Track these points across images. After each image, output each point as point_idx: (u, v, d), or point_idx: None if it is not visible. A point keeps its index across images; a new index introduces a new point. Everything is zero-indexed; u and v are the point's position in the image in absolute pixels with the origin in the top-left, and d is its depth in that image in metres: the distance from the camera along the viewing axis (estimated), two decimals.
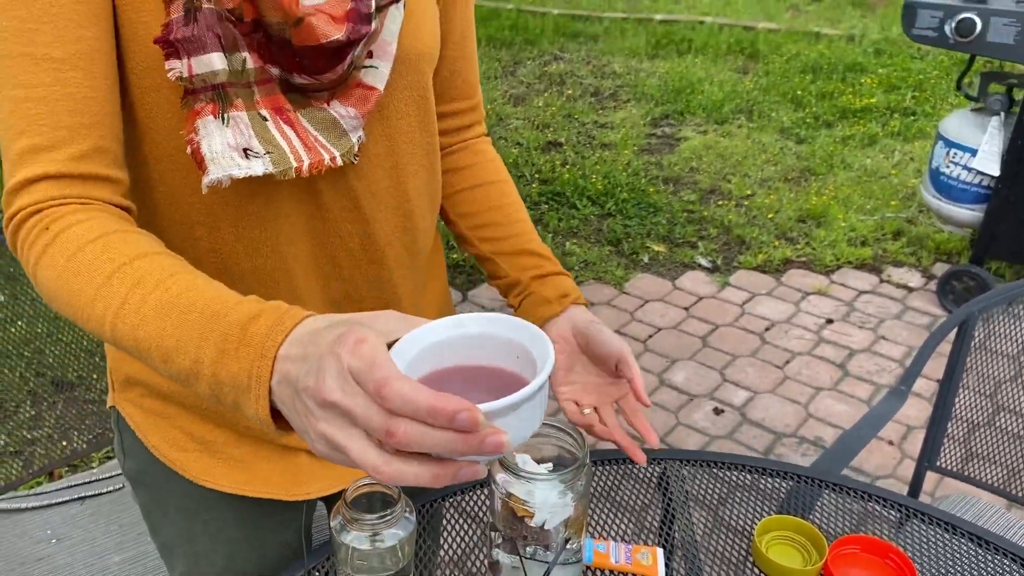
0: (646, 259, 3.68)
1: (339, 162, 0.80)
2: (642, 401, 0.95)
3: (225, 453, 0.96)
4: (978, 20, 2.89)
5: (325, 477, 0.99)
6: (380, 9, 0.79)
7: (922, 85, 5.43)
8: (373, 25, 0.78)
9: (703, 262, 3.67)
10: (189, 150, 0.76)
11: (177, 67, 0.74)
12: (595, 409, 1.01)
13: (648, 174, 4.44)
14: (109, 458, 2.50)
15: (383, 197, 0.90)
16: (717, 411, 2.79)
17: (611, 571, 1.01)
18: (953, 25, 2.94)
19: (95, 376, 1.77)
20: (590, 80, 5.75)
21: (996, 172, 3.04)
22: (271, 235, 0.85)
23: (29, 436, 1.72)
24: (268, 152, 0.76)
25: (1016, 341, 1.63)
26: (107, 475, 1.62)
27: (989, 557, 1.05)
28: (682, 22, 6.77)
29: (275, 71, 0.77)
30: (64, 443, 1.69)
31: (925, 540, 1.08)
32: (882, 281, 3.54)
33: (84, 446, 1.68)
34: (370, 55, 0.80)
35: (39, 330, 1.73)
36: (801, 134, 4.86)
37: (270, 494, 0.97)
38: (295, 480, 0.98)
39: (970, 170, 3.12)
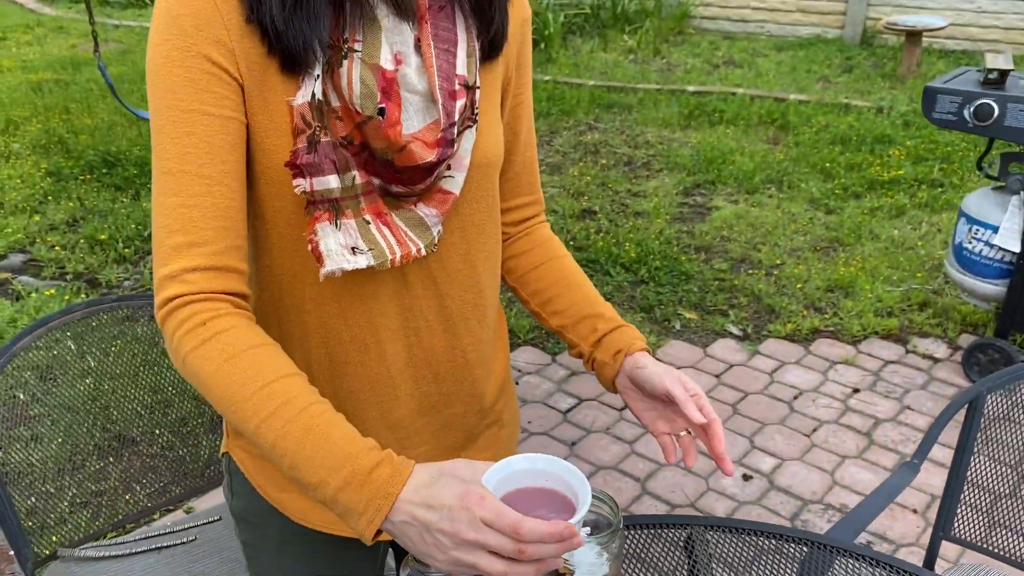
0: (678, 326, 3.81)
1: (423, 252, 1.01)
2: (695, 420, 1.03)
3: None
4: (996, 106, 3.03)
5: None
6: (460, 133, 0.99)
7: (950, 157, 5.55)
8: (455, 147, 0.98)
9: (734, 330, 3.79)
10: (310, 247, 0.96)
11: (302, 184, 0.95)
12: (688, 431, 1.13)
13: (680, 242, 4.59)
14: (169, 511, 2.65)
15: (456, 278, 1.09)
16: (746, 477, 2.88)
17: None
18: (971, 110, 3.08)
19: (156, 431, 1.91)
20: (624, 150, 5.95)
21: (1017, 248, 3.15)
22: (366, 310, 1.04)
23: (95, 488, 1.86)
24: (370, 249, 0.97)
25: None
26: (181, 527, 1.77)
27: None
28: (714, 93, 6.98)
29: (376, 182, 0.98)
30: (128, 496, 1.84)
31: None
32: (908, 351, 3.63)
33: (145, 498, 1.82)
34: (448, 167, 1.01)
35: (105, 387, 1.88)
36: (830, 204, 4.98)
37: (354, 533, 1.13)
38: None
39: (992, 246, 3.23)
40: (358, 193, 0.97)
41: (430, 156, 0.96)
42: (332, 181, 0.94)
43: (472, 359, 1.14)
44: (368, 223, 0.98)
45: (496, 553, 0.81)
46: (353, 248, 0.97)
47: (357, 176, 0.96)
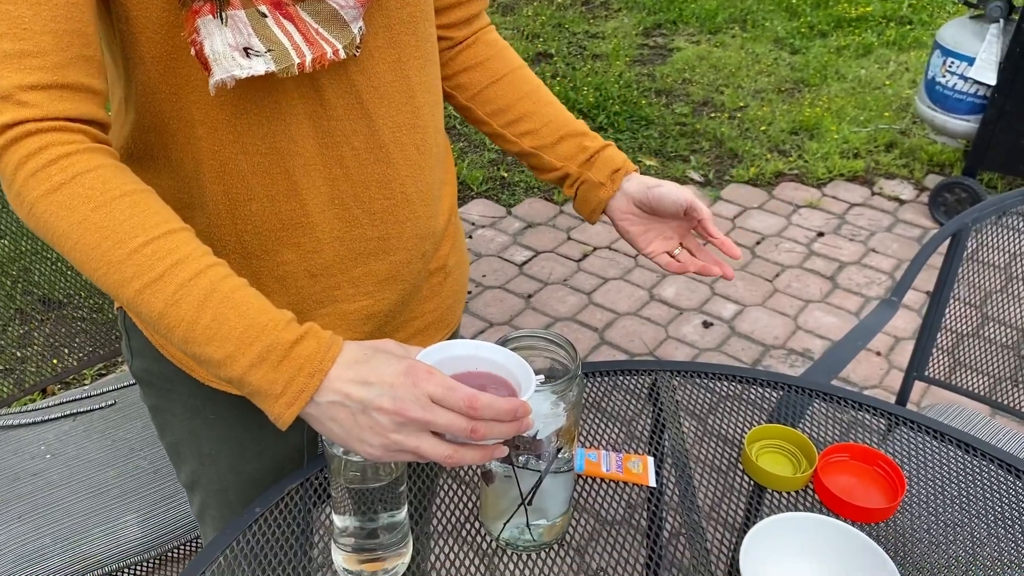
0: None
1: (342, 55, 0.79)
2: (714, 235, 1.03)
3: None
4: None
5: None
6: None
7: None
8: None
9: (695, 176, 3.64)
10: (193, 51, 0.74)
11: None
12: (681, 246, 1.10)
13: (640, 86, 4.36)
14: (101, 375, 2.51)
15: (386, 92, 0.87)
16: (706, 324, 2.80)
17: (602, 479, 1.02)
18: None
19: (83, 294, 1.75)
20: None
21: (993, 81, 2.99)
22: (269, 133, 0.83)
23: (19, 354, 1.71)
24: (269, 50, 0.75)
25: (1005, 251, 1.63)
26: (99, 391, 1.62)
27: (976, 463, 1.06)
28: None
29: None
30: (55, 361, 1.69)
31: (913, 447, 1.09)
32: (874, 194, 3.52)
33: (75, 363, 1.68)
34: None
35: (24, 247, 1.71)
36: (795, 44, 4.76)
37: None
38: None
39: (966, 79, 3.07)
40: None
41: None
42: None
43: (412, 194, 0.94)
44: (264, 16, 0.75)
45: (439, 436, 0.72)
46: (246, 49, 0.75)
47: None
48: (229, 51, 0.74)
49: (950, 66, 3.11)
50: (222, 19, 0.74)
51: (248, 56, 0.75)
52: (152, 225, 0.73)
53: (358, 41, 0.80)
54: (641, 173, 1.16)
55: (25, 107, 0.70)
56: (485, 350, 0.80)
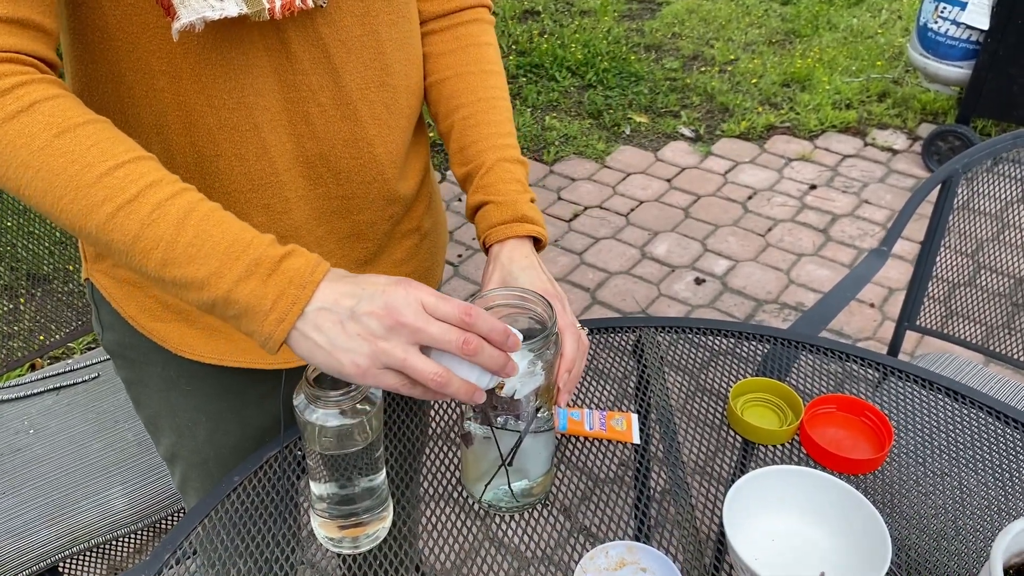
0: (628, 131, 3.60)
1: (310, 3, 0.76)
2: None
3: (203, 322, 0.94)
4: None
5: None
6: None
7: None
8: None
9: (686, 132, 3.59)
10: None
11: None
12: None
13: (629, 41, 4.30)
14: (90, 348, 2.49)
15: (354, 47, 0.84)
16: (698, 281, 2.78)
17: (586, 438, 1.01)
18: None
19: (70, 268, 1.73)
20: None
21: (985, 26, 2.94)
22: (236, 86, 0.80)
23: (7, 330, 1.69)
24: None
25: (999, 199, 1.60)
26: (82, 365, 1.60)
27: (965, 411, 1.05)
28: None
29: None
30: (43, 336, 1.67)
31: (902, 397, 1.08)
32: (866, 144, 3.48)
33: (62, 337, 1.66)
34: None
35: (8, 224, 1.68)
36: None
37: (248, 363, 0.95)
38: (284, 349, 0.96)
39: (959, 25, 3.02)
40: None
41: None
42: None
43: (381, 154, 0.91)
44: None
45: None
46: None
47: None
48: None
49: (942, 12, 3.06)
50: None
51: None
52: (120, 151, 0.69)
53: None
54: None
55: None
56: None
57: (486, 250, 0.96)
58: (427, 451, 1.01)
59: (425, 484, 0.96)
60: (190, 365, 0.96)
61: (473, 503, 0.93)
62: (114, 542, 1.36)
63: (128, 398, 1.51)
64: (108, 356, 1.62)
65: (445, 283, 2.72)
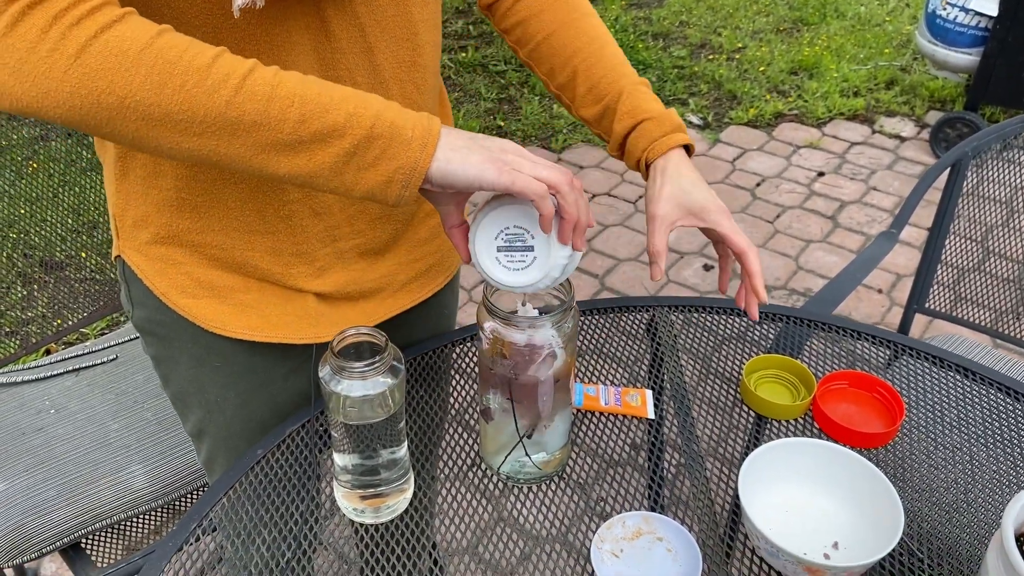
0: None
1: None
2: (757, 291, 0.96)
3: (234, 298, 0.95)
4: None
5: (334, 321, 0.99)
6: None
7: None
8: None
9: (694, 119, 3.60)
10: None
11: None
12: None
13: (637, 30, 4.30)
14: (103, 334, 2.52)
15: (388, 26, 0.85)
16: (707, 267, 2.79)
17: (601, 413, 1.02)
18: None
19: (83, 255, 1.75)
20: None
21: (994, 12, 2.94)
22: (276, 63, 0.81)
23: (23, 316, 1.71)
24: None
25: (1008, 186, 1.61)
26: (100, 347, 1.63)
27: (976, 388, 1.06)
28: None
29: None
30: (58, 321, 1.69)
31: (913, 374, 1.09)
32: (874, 132, 3.48)
33: (77, 322, 1.68)
34: None
35: (22, 211, 1.70)
36: None
37: (279, 338, 0.97)
38: (304, 323, 0.97)
39: (967, 11, 3.02)
40: None
41: None
42: None
43: (400, 95, 0.92)
44: None
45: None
46: None
47: None
48: None
49: None
50: None
51: None
52: (216, 46, 0.71)
53: None
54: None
55: None
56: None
57: (644, 169, 0.99)
58: (444, 432, 1.02)
59: (440, 464, 0.98)
60: (220, 341, 0.98)
61: (495, 480, 0.95)
62: (133, 520, 1.39)
63: (146, 379, 1.54)
64: (126, 338, 1.65)
65: None
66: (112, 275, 1.76)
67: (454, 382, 1.09)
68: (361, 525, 0.90)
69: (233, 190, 0.88)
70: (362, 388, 0.79)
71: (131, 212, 0.93)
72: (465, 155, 0.73)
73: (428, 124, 0.73)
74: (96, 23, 0.66)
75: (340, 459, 0.86)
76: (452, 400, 1.06)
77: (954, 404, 1.04)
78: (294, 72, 0.72)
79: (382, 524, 0.89)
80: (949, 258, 1.65)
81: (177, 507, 1.45)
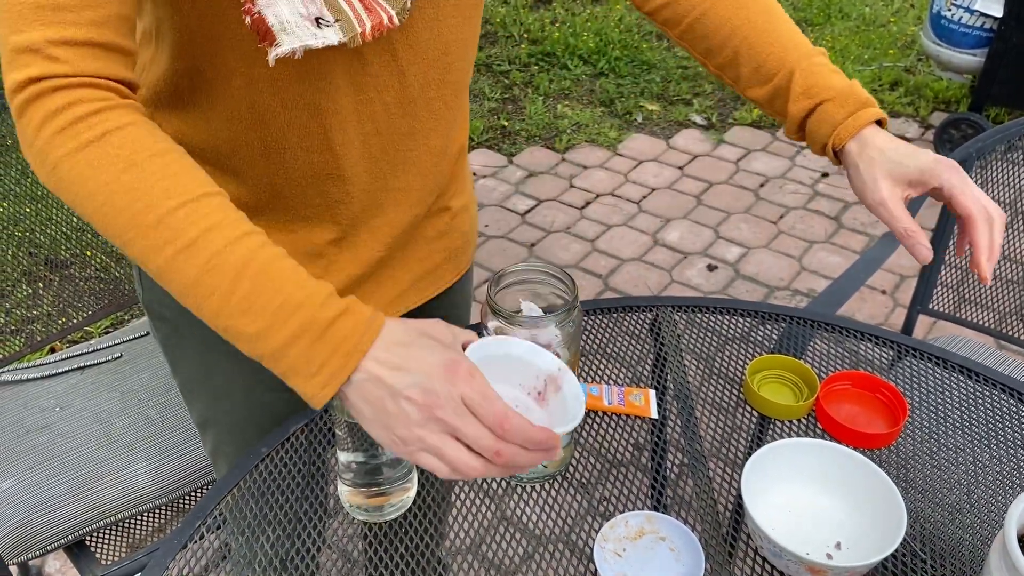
0: (640, 119, 3.61)
1: (396, 22, 0.76)
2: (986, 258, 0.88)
3: None
4: None
5: None
6: None
7: None
8: None
9: (698, 119, 3.60)
10: (248, 20, 0.71)
11: None
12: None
13: (641, 30, 4.30)
14: (107, 332, 2.52)
15: (420, 49, 0.85)
16: (711, 268, 2.79)
17: (604, 412, 1.03)
18: None
19: (88, 253, 1.75)
20: None
21: (999, 13, 2.94)
22: (309, 89, 0.81)
23: (27, 315, 1.72)
24: (337, 19, 0.73)
25: (1012, 188, 1.61)
26: (105, 345, 1.63)
27: (979, 389, 1.06)
28: None
29: None
30: (63, 320, 1.70)
31: (917, 375, 1.09)
32: None
33: (81, 321, 1.68)
34: None
35: (27, 210, 1.71)
36: None
37: None
38: None
39: (972, 12, 3.02)
40: None
41: None
42: None
43: (435, 146, 0.94)
44: None
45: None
46: (318, 19, 0.72)
47: None
48: (301, 20, 0.72)
49: None
50: None
51: (319, 26, 0.72)
52: (184, 189, 0.68)
53: (408, 5, 0.77)
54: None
55: (55, 62, 0.66)
56: (540, 358, 0.76)
57: (832, 154, 0.93)
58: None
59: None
60: None
61: (499, 481, 0.95)
62: (137, 518, 1.39)
63: (151, 377, 1.55)
64: (131, 336, 1.65)
65: None
66: (116, 274, 1.77)
67: None
68: (365, 523, 0.90)
69: (260, 194, 0.90)
70: None
71: None
72: (369, 410, 0.68)
73: (341, 363, 0.67)
74: (77, 138, 0.67)
75: (344, 457, 0.87)
76: None
77: (957, 405, 1.04)
78: (246, 243, 0.68)
79: (387, 523, 0.90)
80: (952, 259, 1.65)
81: (180, 506, 1.45)
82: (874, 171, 0.88)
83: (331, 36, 0.73)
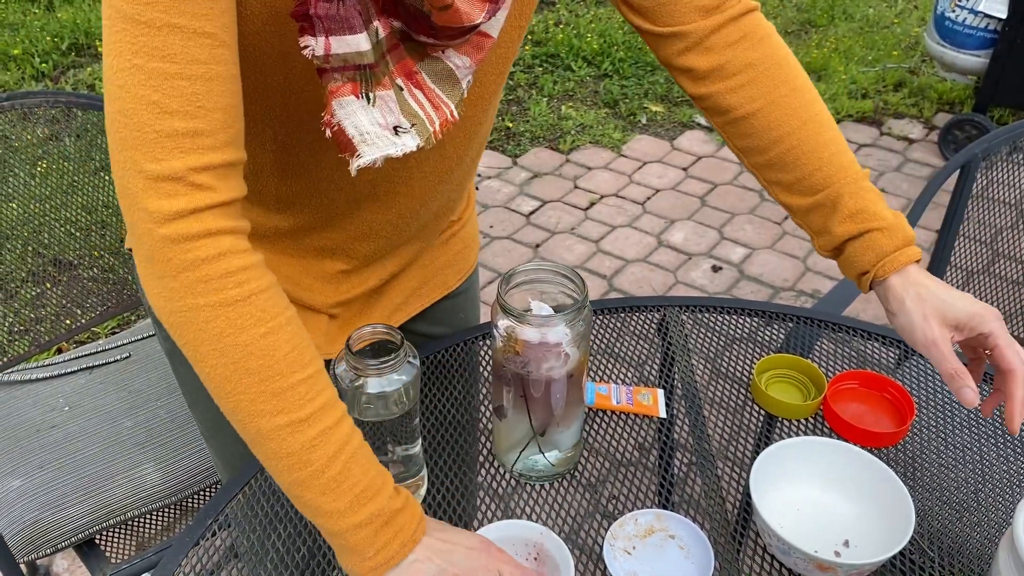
0: (644, 120, 3.61)
1: (456, 115, 0.76)
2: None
3: None
4: None
5: (345, 338, 1.01)
6: None
7: None
8: None
9: (702, 121, 3.60)
10: (328, 132, 0.72)
11: (312, 45, 0.67)
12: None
13: None
14: (113, 332, 2.53)
15: (462, 124, 0.88)
16: (715, 268, 2.80)
17: (613, 412, 1.03)
18: None
19: (94, 255, 1.76)
20: None
21: (1003, 14, 2.94)
22: (367, 176, 0.86)
23: (33, 315, 1.73)
24: (412, 124, 0.74)
25: (1017, 188, 1.61)
26: (113, 345, 1.64)
27: (986, 387, 1.07)
28: None
29: (397, 25, 0.71)
30: (69, 320, 1.70)
31: (923, 375, 1.10)
32: (883, 134, 3.48)
33: (87, 321, 1.69)
34: None
35: (33, 210, 1.71)
36: None
37: None
38: (325, 340, 1.01)
39: (976, 13, 3.02)
40: (384, 51, 0.71)
41: (479, 16, 0.69)
42: (363, 42, 0.68)
43: (455, 190, 0.98)
44: (401, 89, 0.73)
45: None
46: (396, 128, 0.73)
47: (380, 28, 0.69)
48: (380, 131, 0.73)
49: (960, 0, 3.05)
50: (369, 99, 0.72)
51: (398, 134, 0.73)
52: (306, 361, 0.71)
53: (464, 96, 0.77)
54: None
55: (199, 190, 0.66)
56: (522, 530, 0.86)
57: (867, 283, 0.91)
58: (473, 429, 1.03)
59: (447, 468, 0.99)
60: None
61: (502, 476, 0.95)
62: (145, 517, 1.40)
63: (159, 377, 1.55)
64: (139, 336, 1.66)
65: None
66: (123, 274, 1.77)
67: (467, 383, 1.10)
68: None
69: (284, 249, 0.94)
70: (378, 384, 0.80)
71: None
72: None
73: (396, 550, 0.73)
74: (224, 292, 0.68)
75: None
76: (477, 402, 1.07)
77: None
78: (346, 425, 0.73)
79: None
80: (957, 260, 1.65)
81: (188, 505, 1.46)
82: (924, 309, 0.86)
83: (409, 143, 0.74)
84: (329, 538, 0.74)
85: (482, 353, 1.13)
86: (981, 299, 1.66)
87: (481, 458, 0.98)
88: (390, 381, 0.81)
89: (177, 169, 0.65)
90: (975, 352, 0.89)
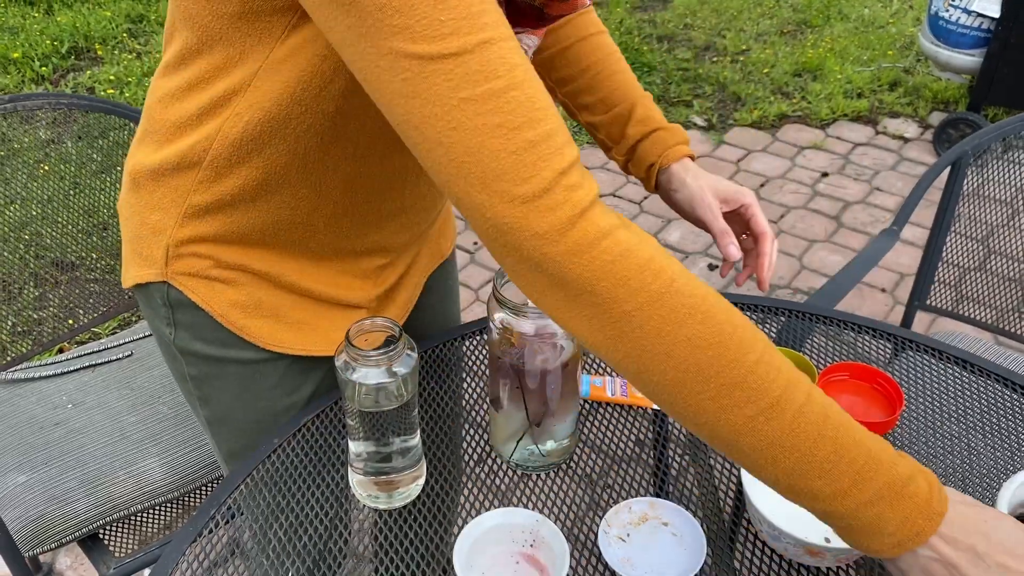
0: None
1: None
2: (728, 257, 1.05)
3: (292, 317, 0.97)
4: None
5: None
6: None
7: None
8: None
9: (698, 121, 3.63)
10: None
11: None
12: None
13: (641, 32, 4.33)
14: (114, 332, 2.55)
15: None
16: (712, 267, 2.82)
17: (608, 404, 1.05)
18: None
19: (95, 256, 1.78)
20: None
21: (996, 13, 2.96)
22: (391, 163, 0.89)
23: (36, 316, 1.74)
24: None
25: (1010, 186, 1.63)
26: (115, 344, 1.66)
27: (976, 380, 1.09)
28: None
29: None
30: (71, 321, 1.72)
31: (915, 367, 1.11)
32: (878, 133, 3.50)
33: (89, 322, 1.71)
34: None
35: (34, 212, 1.73)
36: None
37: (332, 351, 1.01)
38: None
39: (970, 13, 3.04)
40: None
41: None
42: None
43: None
44: None
45: None
46: None
47: None
48: None
49: (953, 0, 3.08)
50: None
51: None
52: (754, 337, 0.65)
53: None
54: None
55: (575, 190, 0.63)
56: (517, 516, 0.88)
57: (651, 173, 1.08)
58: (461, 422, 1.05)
59: (445, 460, 1.00)
60: (271, 354, 0.98)
61: (498, 469, 0.97)
62: (148, 512, 1.41)
63: (162, 374, 1.57)
64: (141, 335, 1.67)
65: (462, 269, 2.76)
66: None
67: (453, 377, 1.12)
68: (375, 511, 0.92)
69: (323, 256, 0.95)
70: (377, 376, 0.82)
71: (186, 233, 0.91)
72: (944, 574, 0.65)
73: (921, 525, 0.65)
74: (647, 290, 0.63)
75: (355, 446, 0.89)
76: (463, 394, 1.09)
77: (954, 396, 1.06)
78: (818, 398, 0.65)
79: (396, 509, 0.92)
80: (951, 257, 1.67)
81: (190, 502, 1.48)
82: (700, 183, 1.05)
83: None
84: (836, 523, 0.66)
85: (468, 348, 1.15)
86: (977, 296, 1.68)
87: (480, 450, 1.00)
88: (390, 372, 0.82)
89: (548, 179, 0.62)
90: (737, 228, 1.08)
